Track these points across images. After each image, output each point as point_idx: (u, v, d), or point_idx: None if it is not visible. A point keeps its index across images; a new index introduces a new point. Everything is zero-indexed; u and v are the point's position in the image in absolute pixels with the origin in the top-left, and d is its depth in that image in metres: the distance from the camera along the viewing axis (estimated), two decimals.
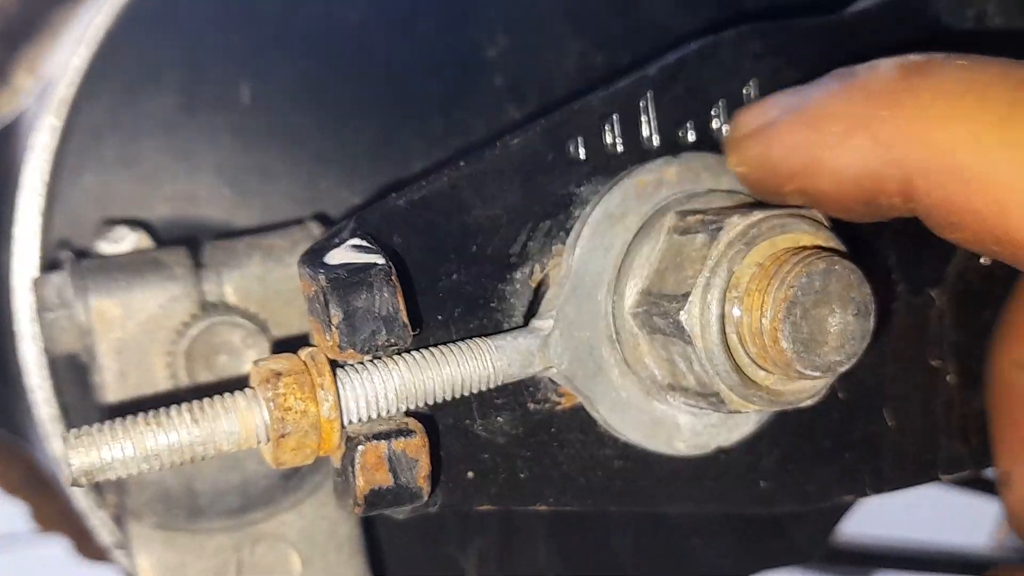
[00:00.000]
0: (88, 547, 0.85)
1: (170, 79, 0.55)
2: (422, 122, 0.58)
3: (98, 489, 0.54)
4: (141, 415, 0.36)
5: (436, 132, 0.58)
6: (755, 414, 0.48)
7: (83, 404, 0.54)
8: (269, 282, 0.48)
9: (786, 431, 0.49)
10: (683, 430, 0.46)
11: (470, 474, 0.43)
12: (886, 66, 0.41)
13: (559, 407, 0.45)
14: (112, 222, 0.51)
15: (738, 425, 0.47)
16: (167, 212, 0.54)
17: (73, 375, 0.54)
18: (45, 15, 0.80)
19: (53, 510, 0.82)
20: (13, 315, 0.53)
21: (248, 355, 0.47)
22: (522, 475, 0.44)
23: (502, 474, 0.44)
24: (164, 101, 0.55)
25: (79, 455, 0.35)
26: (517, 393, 0.44)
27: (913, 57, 0.41)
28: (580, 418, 0.45)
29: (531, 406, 0.44)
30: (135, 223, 0.51)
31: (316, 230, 0.50)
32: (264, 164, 0.56)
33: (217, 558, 0.48)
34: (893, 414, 0.52)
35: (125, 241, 0.49)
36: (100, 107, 0.54)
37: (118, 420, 0.36)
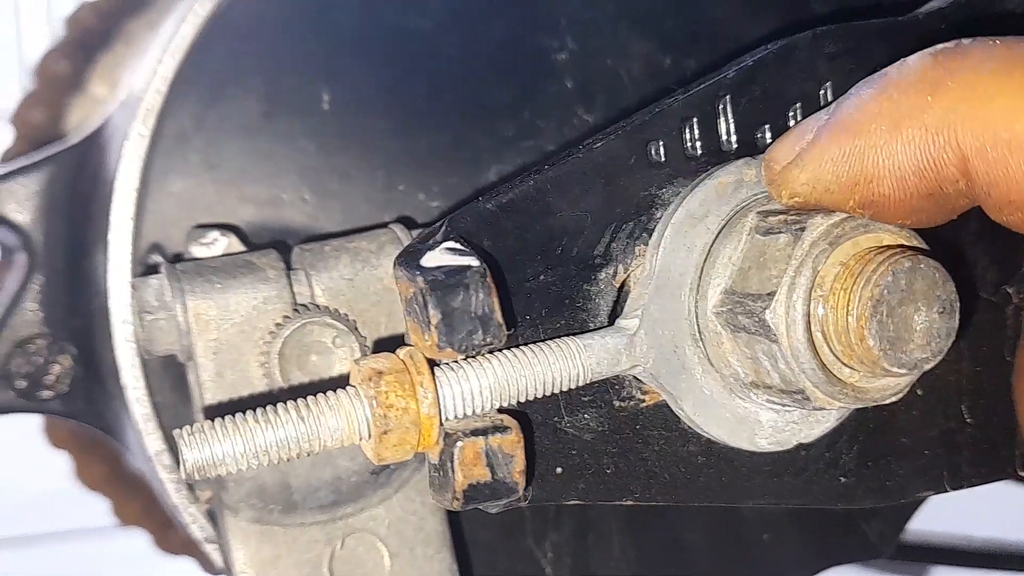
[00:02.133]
0: (168, 541, 0.87)
1: (252, 86, 0.57)
2: (493, 125, 0.59)
3: (191, 486, 0.56)
4: (250, 412, 0.38)
5: (507, 135, 0.60)
6: (836, 411, 0.48)
7: (175, 404, 0.56)
8: (357, 284, 0.50)
9: (865, 427, 0.49)
10: (765, 426, 0.47)
11: (559, 469, 0.44)
12: (917, 58, 0.41)
13: (643, 404, 0.46)
14: (203, 227, 0.53)
15: (819, 421, 0.48)
16: (251, 215, 0.56)
17: (165, 375, 0.56)
18: (120, 26, 0.82)
19: (135, 505, 0.85)
20: (109, 317, 0.55)
21: (339, 355, 0.49)
22: (608, 471, 0.45)
23: (589, 470, 0.45)
24: (247, 107, 0.56)
25: (192, 451, 0.37)
26: (603, 391, 0.45)
27: (941, 45, 0.41)
28: (664, 415, 0.46)
29: (616, 403, 0.45)
30: (225, 227, 0.53)
31: (400, 233, 0.52)
32: (343, 168, 0.57)
33: (310, 551, 0.50)
34: (970, 411, 0.52)
35: (217, 244, 0.51)
36: (186, 114, 0.56)
37: (227, 417, 0.38)
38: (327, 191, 0.57)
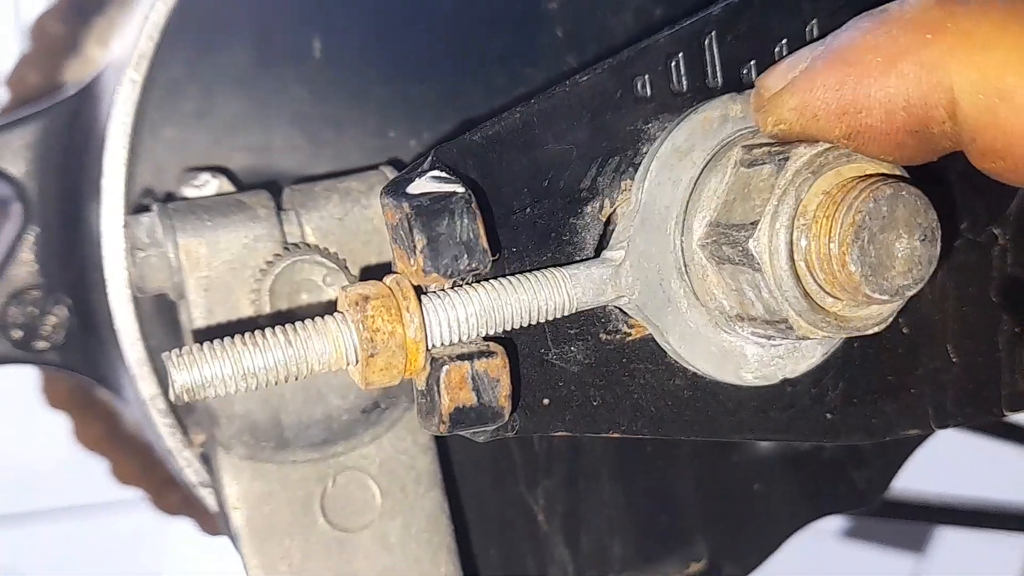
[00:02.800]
0: (165, 501, 0.88)
1: (244, 34, 0.57)
2: (485, 74, 0.60)
3: (185, 429, 0.57)
4: (238, 336, 0.38)
5: (499, 83, 0.60)
6: (821, 346, 0.49)
7: (168, 348, 0.57)
8: (347, 223, 0.50)
9: (851, 364, 0.50)
10: (750, 361, 0.47)
11: (546, 401, 0.45)
12: None
13: (629, 338, 0.46)
14: (194, 169, 0.53)
15: (804, 357, 0.48)
16: (244, 162, 0.56)
17: (158, 320, 0.56)
18: None
19: (132, 465, 0.86)
20: (102, 261, 0.56)
21: (328, 293, 0.49)
22: (595, 403, 0.46)
23: (576, 402, 0.45)
24: (239, 55, 0.57)
25: (181, 373, 0.37)
26: (589, 323, 0.46)
27: None
28: (650, 349, 0.47)
29: (603, 336, 0.46)
30: (217, 169, 0.53)
31: (390, 174, 0.52)
32: (335, 115, 0.58)
33: (302, 488, 0.50)
34: (956, 350, 0.52)
35: (208, 186, 0.52)
36: (178, 62, 0.56)
37: (216, 341, 0.38)
38: (319, 138, 0.57)
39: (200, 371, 0.37)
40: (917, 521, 0.99)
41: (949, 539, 1.87)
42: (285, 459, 0.50)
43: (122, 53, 0.61)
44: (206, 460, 0.56)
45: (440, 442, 0.55)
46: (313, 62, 0.57)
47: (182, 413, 0.57)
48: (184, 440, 0.56)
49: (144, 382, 0.56)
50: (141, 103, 0.55)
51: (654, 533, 0.66)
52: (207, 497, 0.58)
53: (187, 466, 0.57)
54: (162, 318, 0.56)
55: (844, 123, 0.42)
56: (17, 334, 0.64)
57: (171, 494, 0.87)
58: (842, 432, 0.51)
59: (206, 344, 0.38)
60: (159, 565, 1.88)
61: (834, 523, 1.89)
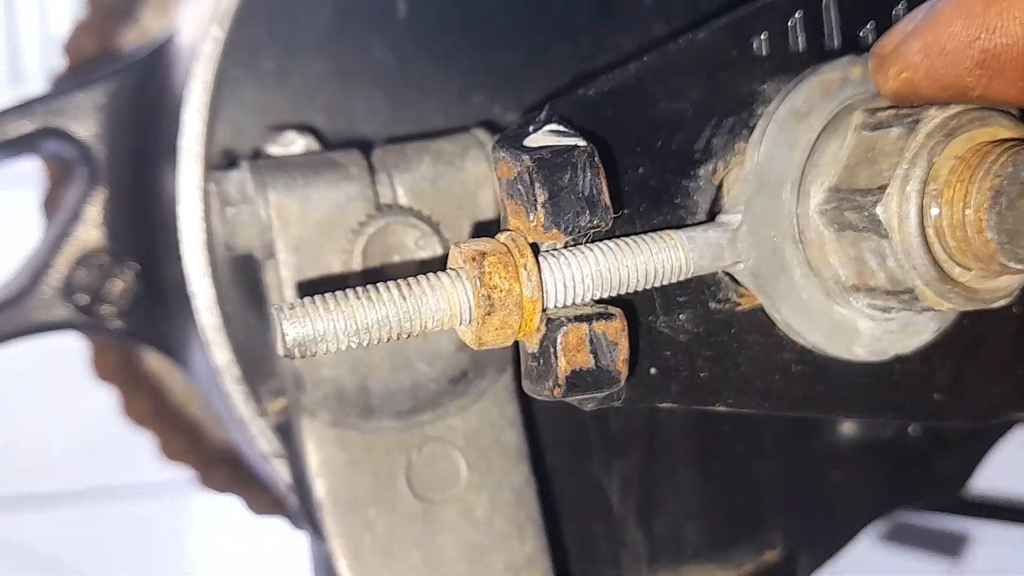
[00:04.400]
0: (212, 479, 0.86)
1: None
2: (570, 40, 0.58)
3: (258, 397, 0.55)
4: (350, 291, 0.36)
5: (584, 50, 0.58)
6: (933, 322, 0.47)
7: (243, 315, 0.55)
8: (440, 185, 0.49)
9: (961, 343, 0.48)
10: (862, 335, 0.45)
11: (653, 371, 0.43)
12: None
13: (739, 308, 0.44)
14: (279, 127, 0.51)
15: (916, 333, 0.47)
16: (325, 123, 0.55)
17: (234, 286, 0.55)
18: None
19: (180, 441, 0.84)
20: (177, 222, 0.54)
21: (421, 256, 0.48)
22: (702, 374, 0.44)
23: (683, 372, 0.43)
24: (322, 15, 0.55)
25: (294, 326, 0.36)
26: (699, 291, 0.44)
27: None
28: (760, 319, 0.45)
29: (712, 305, 0.44)
30: (303, 128, 0.51)
31: (483, 136, 0.51)
32: (418, 79, 0.56)
33: (386, 458, 0.49)
34: None
35: (295, 145, 0.50)
36: (260, 21, 0.54)
37: (328, 295, 0.36)
38: (402, 102, 0.55)
39: (313, 325, 0.36)
40: (958, 515, 0.96)
41: (986, 545, 1.84)
42: (370, 427, 0.48)
43: (199, 14, 0.59)
44: (281, 431, 0.55)
45: (527, 417, 0.53)
46: (397, 23, 0.55)
47: (256, 381, 0.55)
48: (258, 408, 0.55)
49: (218, 349, 0.54)
50: (223, 60, 0.53)
51: (729, 520, 0.64)
52: (279, 469, 0.56)
53: (260, 435, 0.55)
54: (237, 284, 0.55)
55: (976, 48, 0.39)
56: (83, 299, 0.62)
57: (219, 471, 0.85)
58: (948, 413, 0.49)
59: (318, 297, 0.36)
60: (184, 547, 1.87)
61: (871, 525, 1.87)
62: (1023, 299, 0.49)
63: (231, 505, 0.86)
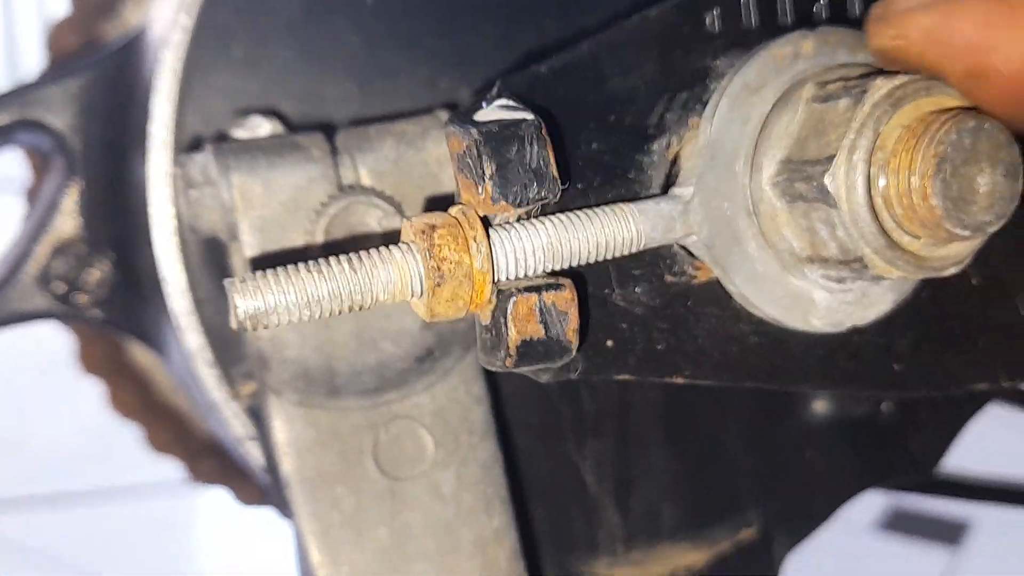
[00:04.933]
0: (200, 470, 0.87)
1: None
2: (539, 23, 0.58)
3: (232, 381, 0.56)
4: (301, 264, 0.37)
5: (551, 32, 0.59)
6: (890, 293, 0.47)
7: (214, 299, 0.56)
8: (402, 166, 0.49)
9: (920, 314, 0.48)
10: (819, 306, 0.46)
11: (609, 343, 0.43)
12: None
13: (695, 280, 0.45)
14: (246, 111, 0.52)
15: (873, 304, 0.47)
16: (295, 109, 0.55)
17: (204, 270, 0.55)
18: None
19: (167, 432, 0.85)
20: (148, 208, 0.55)
21: (383, 236, 0.48)
22: (659, 347, 0.44)
23: (640, 344, 0.44)
24: (290, 3, 0.56)
25: (245, 300, 0.36)
26: (654, 264, 0.44)
27: None
28: (716, 292, 0.45)
29: (668, 278, 0.44)
30: (269, 112, 0.52)
31: (445, 117, 0.51)
32: (387, 63, 0.56)
33: (353, 436, 0.49)
34: None
35: (261, 128, 0.51)
36: (228, 8, 0.55)
37: (280, 268, 0.37)
38: (370, 86, 0.56)
39: (264, 298, 0.36)
40: (958, 498, 0.97)
41: (985, 533, 1.84)
42: (337, 406, 0.49)
43: (170, 5, 0.60)
44: (253, 414, 0.55)
45: (493, 394, 0.53)
46: (365, 9, 0.56)
47: (228, 364, 0.56)
48: (231, 392, 0.55)
49: (191, 332, 0.55)
50: (191, 47, 0.54)
51: (705, 499, 0.64)
52: (253, 452, 0.57)
53: (233, 418, 0.56)
54: (208, 268, 0.56)
55: (971, 60, 0.39)
56: (60, 288, 0.63)
57: (206, 461, 0.86)
58: (909, 384, 0.49)
59: (269, 271, 0.37)
60: (190, 547, 1.88)
61: (869, 514, 1.87)
62: (983, 270, 0.50)
63: (232, 504, 0.87)
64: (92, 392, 0.85)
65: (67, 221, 0.63)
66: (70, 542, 1.82)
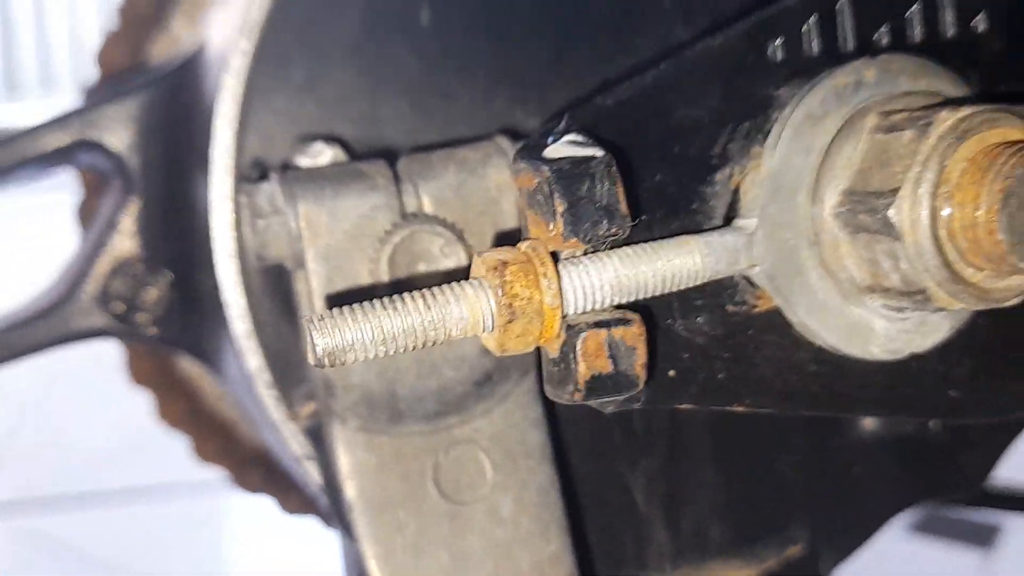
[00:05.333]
0: (246, 480, 0.88)
1: (353, 4, 0.56)
2: (592, 43, 0.59)
3: (289, 401, 0.57)
4: (377, 301, 0.38)
5: (606, 53, 0.59)
6: (948, 321, 0.47)
7: (275, 322, 0.57)
8: (464, 193, 0.50)
9: (978, 341, 0.49)
10: (878, 334, 0.46)
11: (671, 372, 0.44)
12: None
13: (756, 309, 0.45)
14: (308, 138, 0.53)
15: (932, 332, 0.47)
16: (352, 132, 0.56)
17: (264, 295, 0.56)
18: None
19: (214, 443, 0.86)
20: (210, 232, 0.55)
21: (446, 263, 0.49)
22: (720, 375, 0.45)
23: (701, 374, 0.44)
24: (348, 25, 0.56)
25: (324, 337, 0.37)
26: (716, 294, 0.45)
27: None
28: (776, 321, 0.46)
29: (730, 308, 0.45)
30: (330, 139, 0.53)
31: (505, 143, 0.52)
32: (443, 85, 0.57)
33: (415, 461, 0.50)
34: None
35: (323, 155, 0.51)
36: (287, 32, 0.56)
37: (356, 306, 0.38)
38: (427, 108, 0.57)
39: (342, 335, 0.37)
40: (988, 508, 0.97)
41: (1017, 535, 1.83)
42: (399, 431, 0.50)
43: (228, 25, 0.61)
44: (312, 434, 0.56)
45: (550, 418, 0.54)
46: (421, 32, 0.57)
47: (287, 385, 0.56)
48: (289, 412, 0.56)
49: (251, 355, 0.56)
50: (252, 72, 0.55)
51: (753, 516, 0.65)
52: (311, 471, 0.58)
53: (291, 438, 0.57)
54: (268, 292, 0.56)
55: None
56: (119, 307, 0.64)
57: (252, 472, 0.87)
58: (966, 409, 0.50)
59: (346, 308, 0.38)
60: (224, 546, 1.90)
61: (901, 517, 1.87)
62: None
63: (267, 505, 0.88)
64: (126, 392, 0.86)
65: (125, 240, 0.64)
66: (105, 540, 1.84)
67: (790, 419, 0.64)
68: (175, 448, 0.88)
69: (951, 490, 0.68)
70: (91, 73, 0.83)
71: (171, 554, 1.83)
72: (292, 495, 0.87)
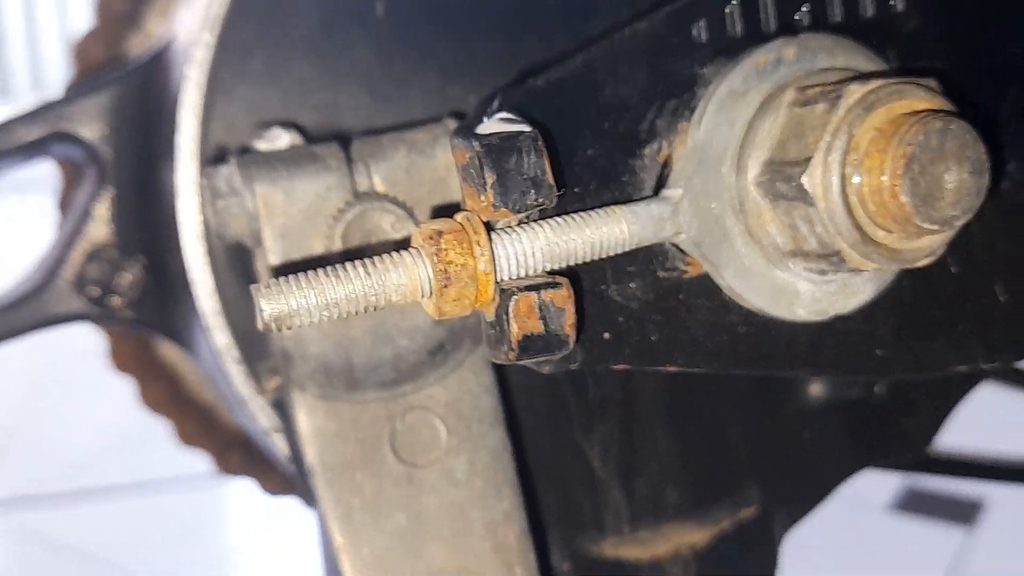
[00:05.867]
0: (228, 461, 0.91)
1: None
2: (543, 32, 0.62)
3: (256, 376, 0.59)
4: (320, 270, 0.41)
5: (559, 44, 0.62)
6: (871, 283, 0.50)
7: (241, 300, 0.59)
8: (414, 172, 0.53)
9: (901, 302, 0.52)
10: (803, 297, 0.49)
11: (606, 335, 0.47)
12: None
13: (686, 275, 0.48)
14: (267, 124, 0.56)
15: (855, 293, 0.50)
16: (312, 119, 0.59)
17: (231, 273, 0.59)
18: None
19: (195, 425, 0.89)
20: (177, 215, 0.58)
21: (396, 239, 0.52)
22: (653, 337, 0.48)
23: (635, 336, 0.47)
24: (306, 17, 0.59)
25: (270, 303, 0.40)
26: (647, 261, 0.47)
27: None
28: (706, 285, 0.48)
29: (661, 273, 0.48)
30: (288, 124, 0.56)
31: (453, 125, 0.54)
32: (399, 74, 0.60)
33: (372, 426, 0.53)
34: (1004, 289, 0.54)
35: (280, 140, 0.54)
36: (248, 24, 0.59)
37: (300, 274, 0.40)
38: (383, 96, 0.59)
39: (287, 301, 0.40)
40: (969, 478, 0.99)
41: (999, 512, 1.87)
42: (356, 398, 0.53)
43: (193, 20, 0.63)
44: (278, 407, 0.59)
45: (502, 385, 0.57)
46: (377, 22, 0.59)
47: (254, 360, 0.59)
48: (257, 387, 0.59)
49: (219, 332, 0.59)
50: (214, 63, 0.57)
51: (707, 479, 0.67)
52: (278, 443, 0.61)
53: (260, 411, 0.60)
54: (234, 271, 0.59)
55: None
56: (94, 291, 0.67)
57: (233, 454, 0.90)
58: (892, 367, 0.52)
59: (291, 276, 0.40)
60: (213, 540, 1.93)
61: (883, 495, 1.90)
62: (962, 258, 0.53)
63: (258, 496, 0.91)
64: (118, 387, 0.89)
65: (100, 228, 0.67)
66: (99, 536, 1.87)
67: (741, 386, 0.67)
68: (164, 443, 0.91)
69: (897, 454, 0.71)
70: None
71: (164, 548, 1.85)
72: (272, 475, 0.89)
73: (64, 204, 0.83)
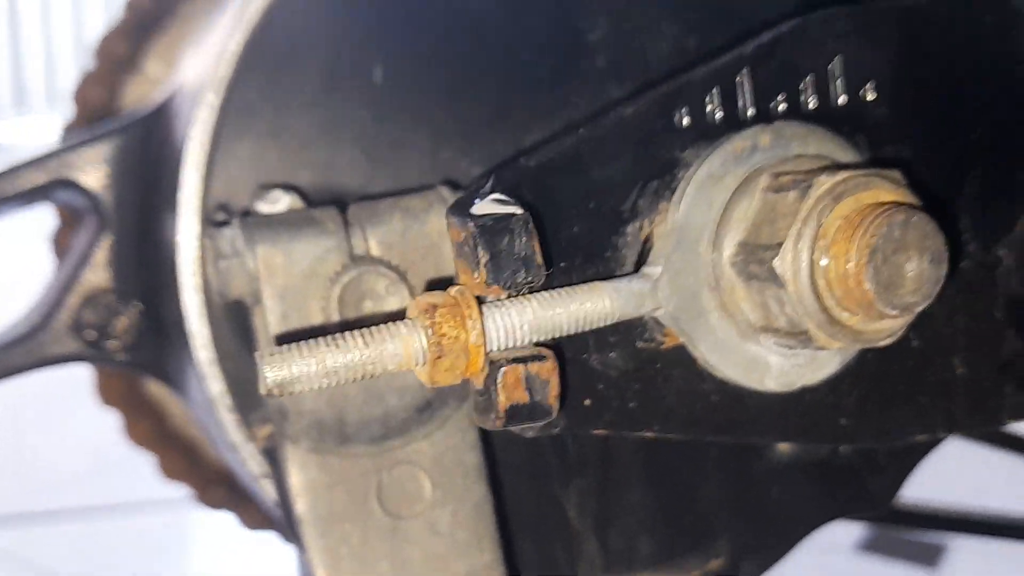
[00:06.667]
0: (210, 496, 0.93)
1: (313, 61, 0.62)
2: (532, 99, 0.65)
3: (248, 424, 0.62)
4: (321, 339, 0.43)
5: (544, 108, 0.65)
6: (838, 356, 0.53)
7: (235, 351, 0.62)
8: (408, 237, 0.55)
9: (865, 374, 0.55)
10: (773, 369, 0.52)
11: (588, 402, 0.50)
12: None
13: (664, 346, 0.51)
14: (268, 186, 0.58)
15: (822, 366, 0.53)
16: (310, 178, 0.61)
17: (225, 326, 0.61)
18: (175, 9, 0.88)
19: (179, 461, 0.90)
20: (176, 268, 0.61)
21: (390, 301, 0.54)
22: (631, 404, 0.50)
23: (615, 403, 0.50)
24: (308, 80, 0.62)
25: (273, 370, 0.42)
26: (627, 332, 0.50)
27: None
28: (682, 356, 0.51)
29: (640, 344, 0.51)
30: (288, 187, 0.58)
31: (447, 194, 0.57)
32: (394, 136, 0.63)
33: (360, 479, 0.55)
34: (963, 362, 0.57)
35: (281, 202, 0.57)
36: (253, 86, 0.61)
37: (303, 343, 0.43)
38: (379, 157, 0.62)
39: (289, 369, 0.42)
40: (932, 530, 1.03)
41: (962, 554, 1.90)
42: (346, 452, 0.55)
43: (198, 77, 0.66)
44: (268, 455, 0.61)
45: (485, 441, 0.59)
46: (374, 87, 0.62)
47: (246, 409, 0.61)
48: (248, 434, 0.61)
49: (214, 381, 0.61)
50: (217, 124, 0.60)
51: (679, 531, 0.70)
52: (266, 488, 0.63)
53: (250, 458, 0.62)
54: (230, 323, 0.61)
55: None
56: (91, 335, 0.69)
57: (216, 489, 0.92)
58: (856, 435, 0.55)
59: (294, 345, 0.43)
60: (184, 563, 1.93)
61: (850, 536, 1.93)
62: (923, 333, 0.56)
63: (229, 521, 0.93)
64: (94, 413, 0.91)
65: (98, 273, 0.69)
66: (69, 557, 1.87)
67: (713, 445, 0.70)
68: (138, 467, 0.93)
69: (861, 509, 0.74)
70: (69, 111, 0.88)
71: (135, 571, 1.86)
72: (252, 511, 0.91)
73: (59, 245, 0.85)
